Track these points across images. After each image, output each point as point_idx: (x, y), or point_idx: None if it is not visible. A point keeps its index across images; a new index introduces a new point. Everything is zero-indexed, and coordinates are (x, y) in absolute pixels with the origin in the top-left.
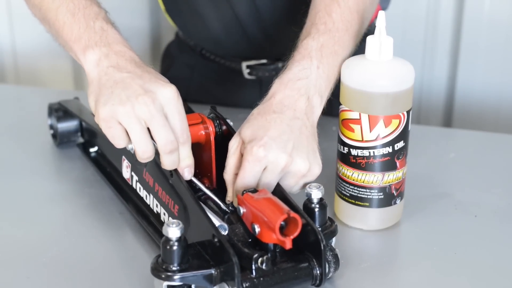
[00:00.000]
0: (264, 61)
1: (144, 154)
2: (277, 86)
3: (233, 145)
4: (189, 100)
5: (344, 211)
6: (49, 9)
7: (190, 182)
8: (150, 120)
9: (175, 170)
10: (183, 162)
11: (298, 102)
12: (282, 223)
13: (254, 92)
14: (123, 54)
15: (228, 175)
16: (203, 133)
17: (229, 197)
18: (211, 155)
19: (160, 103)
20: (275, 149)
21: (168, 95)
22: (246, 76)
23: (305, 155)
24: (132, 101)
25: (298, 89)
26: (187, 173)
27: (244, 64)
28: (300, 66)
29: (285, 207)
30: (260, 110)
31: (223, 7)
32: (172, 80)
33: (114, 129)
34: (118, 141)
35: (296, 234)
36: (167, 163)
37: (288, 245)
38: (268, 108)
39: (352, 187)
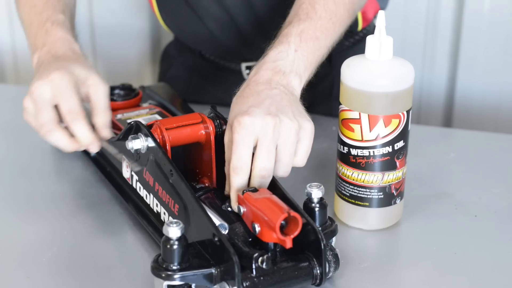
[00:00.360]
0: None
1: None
2: (254, 70)
3: (226, 137)
4: (188, 100)
5: (344, 211)
6: (22, 22)
7: (190, 182)
8: (36, 106)
9: (175, 169)
10: (80, 141)
11: (274, 77)
12: (282, 222)
13: None
14: (51, 52)
15: (227, 168)
16: (203, 132)
17: (226, 190)
18: (211, 155)
19: (41, 90)
20: (260, 113)
21: (50, 81)
22: (246, 76)
23: (291, 114)
24: (44, 77)
25: (273, 68)
26: (93, 149)
27: (244, 65)
28: (276, 50)
29: (285, 206)
30: (238, 94)
31: (217, 7)
32: (172, 81)
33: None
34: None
35: (296, 233)
36: (56, 142)
37: (289, 244)
38: (244, 89)
39: (352, 187)
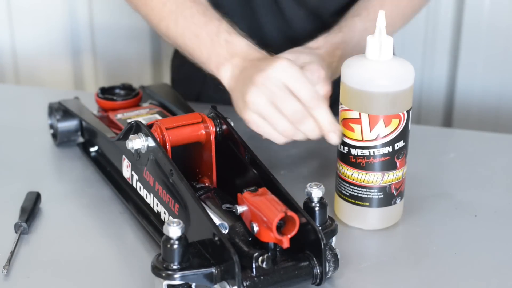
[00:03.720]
0: None
1: (285, 132)
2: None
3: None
4: (203, 98)
5: (344, 211)
6: (176, 36)
7: (190, 182)
8: (272, 98)
9: (175, 169)
10: (324, 127)
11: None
12: (280, 222)
13: None
14: (249, 56)
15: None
16: (204, 132)
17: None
18: (211, 155)
19: (277, 78)
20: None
21: (281, 67)
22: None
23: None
24: (252, 87)
25: (337, 43)
26: (334, 138)
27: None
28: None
29: (283, 206)
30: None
31: (250, 18)
32: (186, 79)
33: (261, 123)
34: (272, 132)
35: (293, 233)
36: (307, 132)
37: (286, 244)
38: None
39: (352, 187)
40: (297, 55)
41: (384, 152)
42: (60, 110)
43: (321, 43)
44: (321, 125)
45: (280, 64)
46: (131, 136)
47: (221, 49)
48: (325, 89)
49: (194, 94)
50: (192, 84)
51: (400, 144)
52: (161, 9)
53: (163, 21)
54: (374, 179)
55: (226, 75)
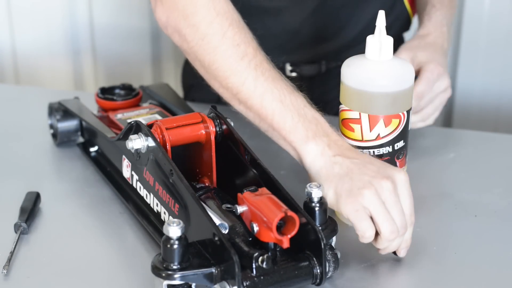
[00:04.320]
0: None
1: (391, 235)
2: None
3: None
4: (222, 102)
5: None
6: (251, 96)
7: (190, 182)
8: (391, 203)
9: (175, 169)
10: (404, 243)
11: (444, 43)
12: (280, 222)
13: None
14: (342, 143)
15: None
16: (203, 132)
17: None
18: (211, 155)
19: (397, 187)
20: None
21: (403, 178)
22: (288, 73)
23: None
24: (375, 185)
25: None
26: (403, 252)
27: (288, 62)
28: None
29: (283, 206)
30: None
31: (288, 14)
32: (204, 83)
33: (365, 219)
34: (369, 232)
35: (293, 233)
36: (392, 247)
37: (286, 244)
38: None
39: None
40: (414, 53)
41: (384, 152)
42: (60, 110)
43: (429, 28)
44: (406, 240)
45: (404, 176)
46: (131, 136)
47: (309, 124)
48: (446, 82)
49: (214, 97)
50: (210, 89)
51: (400, 144)
52: (238, 62)
53: (237, 76)
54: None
55: (314, 149)
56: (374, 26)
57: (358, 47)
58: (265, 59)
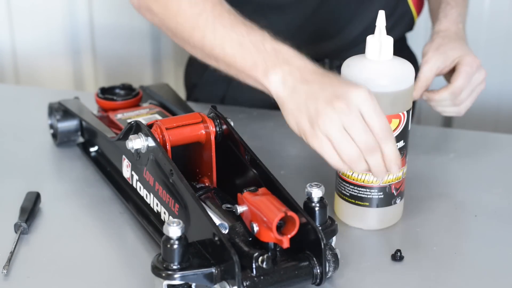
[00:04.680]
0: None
1: (352, 158)
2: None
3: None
4: (228, 100)
5: (344, 211)
6: (213, 46)
7: (190, 182)
8: (348, 124)
9: (175, 169)
10: (390, 158)
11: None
12: (280, 222)
13: None
14: (305, 67)
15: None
16: (203, 132)
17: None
18: (211, 155)
19: (356, 106)
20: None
21: (362, 95)
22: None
23: None
24: (329, 111)
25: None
26: (395, 169)
27: None
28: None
29: (283, 206)
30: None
31: (291, 10)
32: (210, 81)
33: (328, 149)
34: (334, 160)
35: (293, 233)
36: (373, 164)
37: (286, 244)
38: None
39: (352, 187)
40: (444, 53)
41: None
42: (60, 110)
43: (446, 24)
44: (387, 157)
45: (362, 93)
46: (131, 136)
47: (268, 56)
48: (483, 74)
49: (219, 97)
50: (217, 87)
51: (400, 144)
52: (196, 19)
53: (198, 31)
54: (374, 179)
55: (275, 81)
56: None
57: (361, 46)
58: (226, 10)
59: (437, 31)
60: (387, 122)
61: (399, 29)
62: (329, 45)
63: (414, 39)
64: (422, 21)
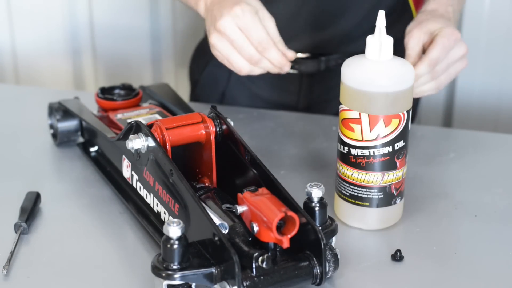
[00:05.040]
0: (307, 54)
1: (251, 57)
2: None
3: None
4: (227, 97)
5: (344, 211)
6: None
7: (190, 182)
8: (244, 26)
9: (175, 169)
10: (274, 61)
11: (450, 16)
12: (280, 222)
13: (294, 87)
14: None
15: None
16: (203, 132)
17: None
18: (211, 155)
19: (250, 12)
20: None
21: (256, 3)
22: (288, 70)
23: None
24: (226, 14)
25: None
26: (286, 68)
27: None
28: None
29: (283, 206)
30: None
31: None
32: (210, 78)
33: (235, 56)
34: (240, 65)
35: (293, 233)
36: (272, 59)
37: (286, 244)
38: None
39: (352, 187)
40: (425, 26)
41: (384, 152)
42: (60, 110)
43: (434, 5)
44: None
45: (236, 11)
46: (131, 136)
47: None
48: (463, 49)
49: (218, 94)
50: (217, 84)
51: (400, 144)
52: None
53: None
54: (374, 179)
55: (201, 7)
56: (373, 17)
57: (357, 40)
58: None
59: (423, 11)
60: (265, 31)
61: (398, 27)
62: (323, 36)
63: None
64: None
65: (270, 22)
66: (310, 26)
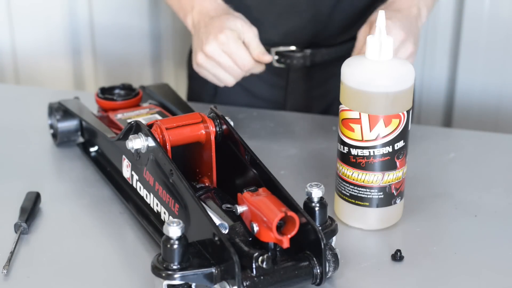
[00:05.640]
0: (292, 47)
1: (237, 76)
2: None
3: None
4: (219, 89)
5: (344, 211)
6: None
7: (190, 182)
8: (230, 49)
9: (175, 169)
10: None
11: (411, 9)
12: (280, 222)
13: (281, 81)
14: (202, 12)
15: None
16: (204, 132)
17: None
18: (211, 155)
19: (234, 38)
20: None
21: (239, 28)
22: (275, 63)
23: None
24: (213, 39)
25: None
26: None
27: (273, 51)
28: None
29: (283, 206)
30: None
31: None
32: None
33: (212, 67)
34: (225, 78)
35: (293, 233)
36: (257, 72)
37: (286, 244)
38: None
39: (352, 187)
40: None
41: (384, 152)
42: (60, 110)
43: (401, 3)
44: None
45: (221, 39)
46: (131, 136)
47: (186, 2)
48: (409, 49)
49: (211, 88)
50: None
51: (400, 144)
52: None
53: None
54: (374, 179)
55: (189, 25)
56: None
57: (345, 34)
58: None
59: (385, 4)
60: (248, 55)
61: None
62: (303, 20)
63: None
64: None
65: (253, 41)
66: (287, 12)
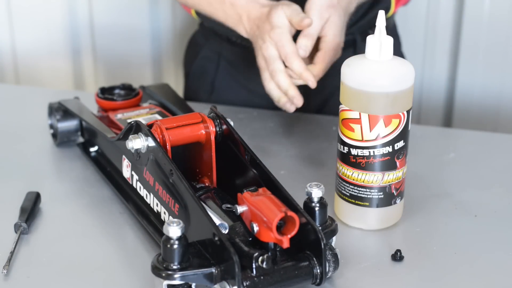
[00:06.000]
0: None
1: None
2: None
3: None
4: (216, 86)
5: (344, 211)
6: (194, 4)
7: (190, 182)
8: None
9: (175, 169)
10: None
11: None
12: (280, 222)
13: None
14: (256, 15)
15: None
16: (204, 132)
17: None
18: (211, 155)
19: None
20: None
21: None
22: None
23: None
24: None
25: None
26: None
27: None
28: None
29: (283, 206)
30: None
31: None
32: (199, 68)
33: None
34: (274, 92)
35: (293, 233)
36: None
37: (286, 244)
38: None
39: (352, 187)
40: (326, 18)
41: (384, 152)
42: (60, 110)
43: None
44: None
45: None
46: (131, 136)
47: (230, 12)
48: (338, 54)
49: (208, 84)
50: (207, 75)
51: (400, 144)
52: None
53: None
54: (374, 179)
55: (242, 33)
56: None
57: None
58: None
59: None
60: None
61: (373, 12)
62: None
63: (414, 39)
64: (422, 20)
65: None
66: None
